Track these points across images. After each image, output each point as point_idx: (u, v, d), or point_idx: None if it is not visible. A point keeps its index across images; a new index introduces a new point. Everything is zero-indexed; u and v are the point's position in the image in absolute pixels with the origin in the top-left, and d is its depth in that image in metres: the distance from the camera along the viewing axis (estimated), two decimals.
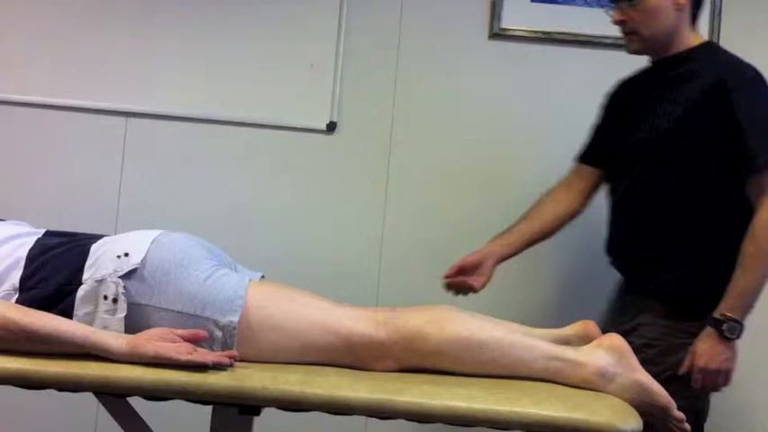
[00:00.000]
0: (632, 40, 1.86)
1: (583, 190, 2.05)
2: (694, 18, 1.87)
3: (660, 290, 1.84)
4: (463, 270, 1.94)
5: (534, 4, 2.47)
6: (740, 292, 1.73)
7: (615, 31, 2.45)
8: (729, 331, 1.73)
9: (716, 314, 1.74)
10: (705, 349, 1.74)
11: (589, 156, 2.06)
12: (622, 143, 1.93)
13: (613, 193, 1.99)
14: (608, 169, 2.01)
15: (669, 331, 1.82)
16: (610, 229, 2.00)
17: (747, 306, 1.74)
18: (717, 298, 1.74)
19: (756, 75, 1.80)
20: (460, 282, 1.95)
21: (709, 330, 1.75)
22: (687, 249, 1.83)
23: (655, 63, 1.92)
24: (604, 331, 1.57)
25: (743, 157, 1.73)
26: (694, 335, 1.77)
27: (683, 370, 1.76)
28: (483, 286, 1.95)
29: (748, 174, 1.74)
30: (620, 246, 1.96)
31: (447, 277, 1.96)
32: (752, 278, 1.73)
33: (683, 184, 1.81)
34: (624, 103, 2.00)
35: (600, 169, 2.04)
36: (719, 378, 1.76)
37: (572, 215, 2.05)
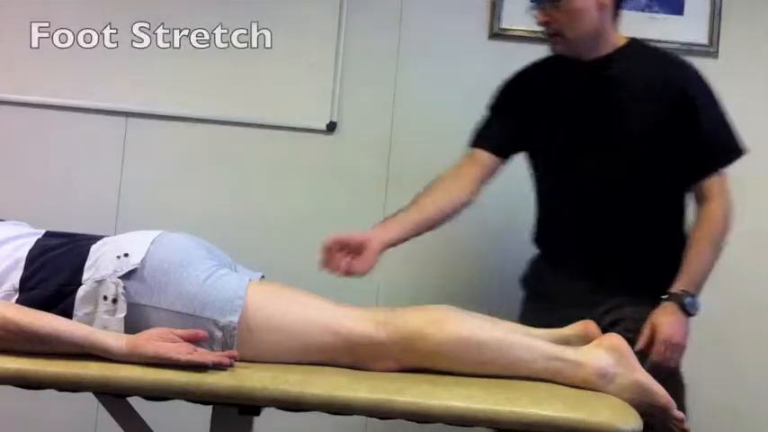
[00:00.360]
0: (557, 41, 1.83)
1: (478, 178, 1.93)
2: (616, 16, 1.86)
3: (640, 282, 1.86)
4: (346, 247, 1.73)
5: (534, 4, 2.47)
6: (696, 271, 1.79)
7: None
8: (690, 306, 1.76)
9: (675, 290, 1.77)
10: (668, 322, 1.74)
11: (492, 143, 1.95)
12: (561, 138, 1.88)
13: (556, 187, 1.95)
14: (507, 158, 1.97)
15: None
16: (561, 226, 1.95)
17: (701, 286, 1.80)
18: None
19: (704, 76, 1.86)
20: (342, 263, 1.73)
21: (669, 305, 1.76)
22: (656, 240, 1.89)
23: (583, 63, 1.86)
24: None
25: (703, 158, 1.83)
26: None
27: (640, 345, 1.72)
28: (366, 272, 1.73)
29: (707, 173, 1.83)
30: (589, 245, 1.90)
31: (326, 250, 1.73)
32: (705, 260, 1.80)
33: (652, 182, 1.85)
34: (542, 96, 1.92)
35: (500, 158, 1.95)
36: (678, 352, 1.75)
37: (465, 204, 1.92)
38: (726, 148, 1.86)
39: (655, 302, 1.80)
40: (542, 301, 1.95)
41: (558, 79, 1.91)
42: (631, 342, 1.56)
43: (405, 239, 1.81)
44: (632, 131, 1.82)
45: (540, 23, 1.82)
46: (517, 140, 1.95)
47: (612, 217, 1.87)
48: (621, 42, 1.87)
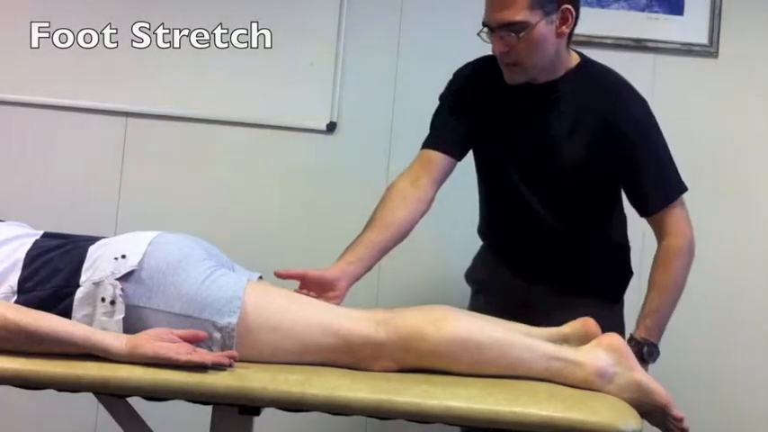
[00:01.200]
0: (514, 72, 1.75)
1: (435, 181, 1.84)
2: (570, 39, 1.82)
3: (592, 285, 1.89)
4: (314, 286, 1.64)
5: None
6: (657, 317, 1.79)
7: (615, 32, 2.47)
8: (648, 354, 1.76)
9: (636, 336, 1.78)
10: None
11: (447, 144, 1.86)
12: (503, 146, 1.86)
13: (496, 188, 1.93)
14: (461, 158, 1.92)
15: (607, 314, 1.85)
16: (501, 222, 1.95)
17: (661, 331, 1.80)
18: (625, 283, 1.98)
19: (648, 114, 1.84)
20: (317, 295, 1.64)
21: None
22: (594, 243, 1.92)
23: (537, 85, 1.82)
24: None
25: (646, 201, 1.83)
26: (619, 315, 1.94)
27: None
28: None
29: (653, 213, 1.83)
30: (527, 246, 1.91)
31: (293, 278, 1.65)
32: (667, 307, 1.81)
33: (588, 198, 1.86)
34: (490, 100, 1.85)
35: (454, 158, 1.88)
36: None
37: (424, 213, 1.83)
38: (668, 191, 1.83)
39: (597, 301, 1.84)
40: (489, 293, 1.95)
41: (507, 89, 1.82)
42: None
43: (371, 267, 1.73)
44: (568, 159, 1.79)
45: (498, 53, 1.74)
46: (468, 140, 1.89)
47: (549, 223, 1.87)
48: (573, 63, 1.83)
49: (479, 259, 2.06)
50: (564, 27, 1.74)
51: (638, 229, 2.44)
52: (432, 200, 1.84)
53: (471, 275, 2.05)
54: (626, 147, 1.78)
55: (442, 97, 1.93)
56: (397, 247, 1.79)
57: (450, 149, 1.86)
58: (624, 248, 2.00)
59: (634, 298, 2.32)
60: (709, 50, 2.46)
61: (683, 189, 1.85)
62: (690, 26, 2.46)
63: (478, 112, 1.85)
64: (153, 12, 2.44)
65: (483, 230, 2.04)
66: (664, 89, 2.47)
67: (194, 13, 2.45)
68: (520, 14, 1.68)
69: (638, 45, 2.47)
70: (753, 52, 2.48)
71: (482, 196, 1.99)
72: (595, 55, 2.46)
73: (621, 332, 1.89)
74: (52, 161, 2.44)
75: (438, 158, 1.85)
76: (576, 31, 2.43)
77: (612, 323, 1.81)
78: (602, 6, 2.48)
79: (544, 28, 1.71)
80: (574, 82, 1.81)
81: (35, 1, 2.45)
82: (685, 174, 2.46)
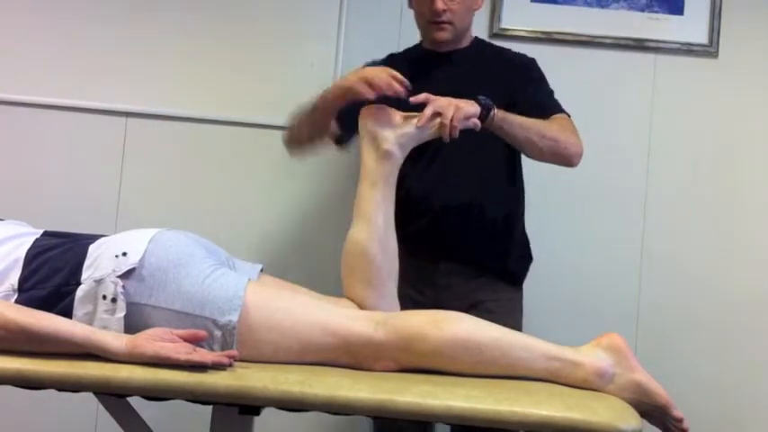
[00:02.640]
0: (446, 29, 1.98)
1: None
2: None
3: (495, 266, 1.98)
4: None
5: (534, 4, 2.48)
6: (517, 119, 1.83)
7: (615, 32, 2.47)
8: (485, 103, 1.76)
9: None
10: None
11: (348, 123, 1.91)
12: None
13: (413, 166, 1.92)
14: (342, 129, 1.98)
15: (507, 296, 2.00)
16: (414, 206, 1.95)
17: (506, 123, 1.81)
18: (526, 267, 2.08)
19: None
20: None
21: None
22: (502, 227, 2.02)
23: (444, 54, 2.02)
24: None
25: (536, 107, 1.94)
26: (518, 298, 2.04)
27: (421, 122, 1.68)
28: None
29: (557, 113, 1.97)
30: (440, 227, 1.95)
31: None
32: (530, 124, 1.85)
33: (497, 164, 2.00)
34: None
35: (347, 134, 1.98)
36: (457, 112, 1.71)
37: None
38: (559, 105, 2.00)
39: (499, 283, 1.96)
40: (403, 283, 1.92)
41: (418, 66, 1.98)
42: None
43: None
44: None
45: (438, 11, 1.94)
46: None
47: (461, 201, 1.92)
48: (472, 36, 2.10)
49: None
50: (480, 1, 2.05)
51: (637, 227, 2.46)
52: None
53: None
54: (521, 72, 2.02)
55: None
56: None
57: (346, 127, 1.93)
58: (524, 234, 2.09)
59: (635, 298, 2.34)
60: (709, 50, 2.46)
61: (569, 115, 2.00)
62: (690, 26, 2.47)
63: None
64: (153, 12, 2.44)
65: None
66: (664, 89, 2.48)
67: (194, 13, 2.45)
68: None
69: (638, 45, 2.47)
70: (753, 52, 2.48)
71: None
72: (595, 55, 2.49)
73: (520, 317, 2.00)
74: (52, 161, 2.44)
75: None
76: (576, 30, 2.46)
77: (512, 306, 1.98)
78: (602, 6, 2.48)
79: None
80: (475, 49, 2.07)
81: (35, 1, 2.45)
82: (685, 174, 2.48)
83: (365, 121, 1.69)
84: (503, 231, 2.02)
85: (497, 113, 1.78)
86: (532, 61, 2.07)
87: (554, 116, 1.95)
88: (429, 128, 1.68)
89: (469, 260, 1.97)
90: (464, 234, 1.96)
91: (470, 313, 1.57)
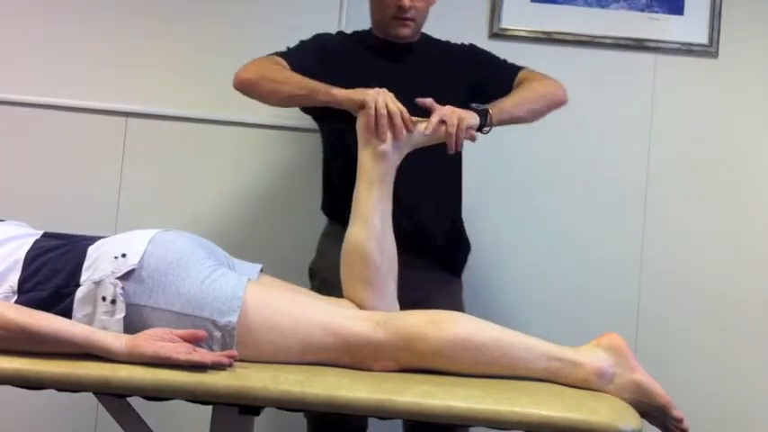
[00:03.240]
0: (409, 26, 1.99)
1: None
2: None
3: (437, 255, 1.98)
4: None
5: (534, 4, 2.47)
6: (509, 103, 1.87)
7: (615, 32, 2.47)
8: (481, 111, 1.78)
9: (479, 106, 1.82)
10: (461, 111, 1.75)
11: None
12: None
13: (348, 154, 1.88)
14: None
15: (450, 286, 2.01)
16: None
17: (504, 115, 1.84)
18: (466, 254, 2.07)
19: None
20: None
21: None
22: (453, 217, 2.05)
23: (401, 44, 2.02)
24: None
25: (504, 73, 2.03)
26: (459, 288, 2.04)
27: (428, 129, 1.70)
28: None
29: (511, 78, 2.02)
30: (411, 217, 1.91)
31: None
32: (523, 100, 1.91)
33: (455, 156, 1.92)
34: (348, 65, 1.97)
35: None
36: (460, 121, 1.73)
37: None
38: (512, 67, 2.05)
39: (440, 272, 1.96)
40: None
41: (375, 56, 2.02)
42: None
43: None
44: (432, 96, 1.80)
45: (405, 7, 1.94)
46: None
47: (410, 186, 1.85)
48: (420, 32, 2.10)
49: (323, 248, 2.04)
50: None
51: (637, 227, 2.46)
52: None
53: (314, 267, 2.04)
54: (472, 60, 2.05)
55: (309, 43, 2.01)
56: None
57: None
58: (461, 222, 2.08)
59: (635, 298, 2.34)
60: (709, 50, 2.46)
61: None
62: (690, 26, 2.46)
63: (344, 70, 1.91)
64: (153, 12, 2.44)
65: (329, 204, 2.06)
66: (664, 89, 2.48)
67: (194, 13, 2.45)
68: None
69: (638, 45, 2.47)
70: (753, 52, 2.48)
71: (332, 166, 2.03)
72: (595, 55, 2.49)
73: (461, 306, 1.99)
74: (52, 161, 2.43)
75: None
76: (576, 30, 2.46)
77: (454, 295, 1.99)
78: (602, 6, 2.48)
79: None
80: (424, 43, 2.08)
81: (35, 1, 2.45)
82: (685, 173, 2.48)
83: (362, 120, 1.69)
84: (450, 222, 2.04)
85: (493, 113, 1.80)
86: (473, 46, 2.11)
87: (519, 76, 2.01)
88: (434, 135, 1.69)
89: (419, 251, 1.92)
90: (414, 225, 1.93)
91: (416, 307, 1.57)
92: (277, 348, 1.45)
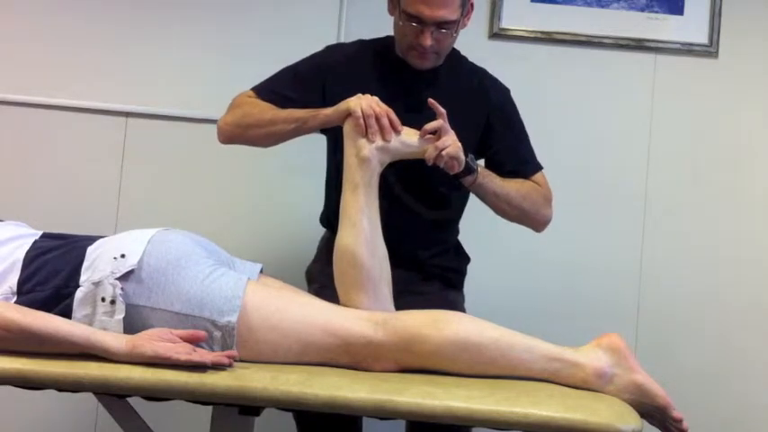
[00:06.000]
0: (429, 59, 1.85)
1: None
2: None
3: (439, 270, 1.94)
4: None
5: (534, 3, 2.47)
6: (496, 180, 1.81)
7: (615, 32, 2.47)
8: (471, 160, 1.75)
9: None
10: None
11: (284, 103, 1.85)
12: None
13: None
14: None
15: (452, 299, 1.95)
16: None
17: (482, 190, 1.80)
18: (465, 269, 2.02)
19: (510, 95, 1.98)
20: None
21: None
22: (449, 234, 2.01)
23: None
24: None
25: (518, 163, 1.91)
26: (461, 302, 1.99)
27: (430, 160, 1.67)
28: None
29: (538, 171, 1.94)
30: (397, 233, 1.82)
31: None
32: (506, 187, 1.83)
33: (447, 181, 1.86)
34: (370, 84, 1.85)
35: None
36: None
37: None
38: (537, 161, 1.95)
39: (443, 286, 1.93)
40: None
41: (392, 73, 1.90)
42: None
43: None
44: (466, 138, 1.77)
45: (426, 45, 1.80)
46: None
47: (405, 204, 1.87)
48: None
49: (323, 253, 2.00)
50: (467, 19, 1.86)
51: (637, 227, 2.46)
52: None
53: (313, 271, 2.02)
54: (499, 113, 1.91)
55: (308, 64, 1.93)
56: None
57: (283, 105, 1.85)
58: (458, 234, 2.04)
59: (635, 298, 2.33)
60: (709, 50, 2.46)
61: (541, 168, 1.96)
62: (690, 26, 2.47)
63: (353, 90, 1.79)
64: (153, 11, 2.44)
65: (329, 217, 1.98)
66: (664, 89, 2.48)
67: (194, 13, 2.45)
68: (455, 14, 1.78)
69: (638, 45, 2.47)
70: (753, 52, 2.48)
71: (336, 181, 1.92)
72: (595, 55, 2.49)
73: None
74: (52, 161, 2.43)
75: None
76: (576, 30, 2.46)
77: (456, 309, 1.87)
78: (602, 6, 2.48)
79: (461, 22, 1.83)
80: (448, 66, 1.91)
81: (35, 1, 2.45)
82: (685, 173, 2.48)
83: (349, 126, 1.68)
84: (448, 237, 2.01)
85: (477, 178, 1.76)
86: (508, 96, 1.97)
87: (533, 177, 1.92)
88: (420, 144, 1.67)
89: (417, 265, 1.91)
90: (413, 240, 1.90)
91: None
92: (277, 348, 1.45)
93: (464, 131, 1.74)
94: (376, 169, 1.66)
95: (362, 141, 1.65)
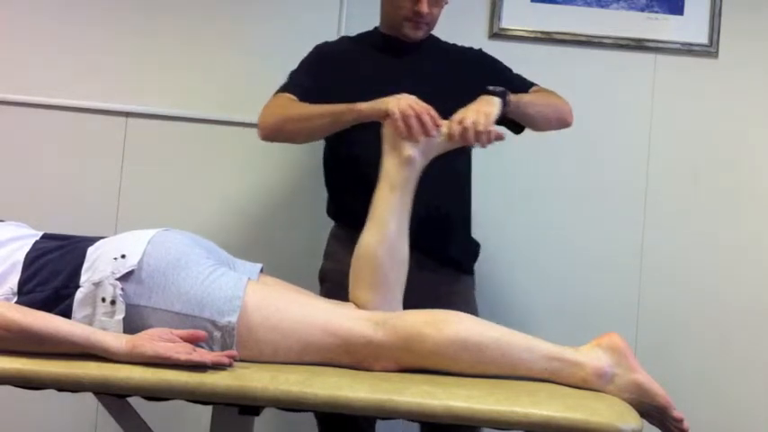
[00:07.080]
0: (422, 29, 2.00)
1: None
2: None
3: (450, 255, 1.98)
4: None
5: (534, 3, 2.48)
6: (524, 98, 1.90)
7: (615, 32, 2.47)
8: (501, 93, 1.80)
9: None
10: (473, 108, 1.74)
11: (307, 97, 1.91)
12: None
13: (356, 154, 1.92)
14: None
15: (463, 286, 2.01)
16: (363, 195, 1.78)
17: (524, 105, 1.88)
18: (477, 253, 2.06)
19: None
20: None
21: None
22: (465, 218, 2.05)
23: (405, 42, 2.01)
24: None
25: (517, 85, 1.99)
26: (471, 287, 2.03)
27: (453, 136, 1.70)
28: None
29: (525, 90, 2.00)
30: (430, 219, 1.91)
31: None
32: (535, 100, 1.94)
33: (466, 154, 2.03)
34: (356, 61, 2.02)
35: None
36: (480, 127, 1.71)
37: None
38: (528, 82, 2.04)
39: (454, 272, 1.96)
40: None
41: (383, 53, 2.03)
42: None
43: None
44: (444, 97, 1.79)
45: (423, 14, 1.95)
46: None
47: (421, 187, 1.81)
48: None
49: (333, 250, 2.03)
50: None
51: (637, 228, 2.46)
52: None
53: (325, 269, 2.04)
54: (485, 69, 2.03)
55: (306, 62, 2.03)
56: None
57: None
58: (470, 221, 2.08)
59: (635, 298, 2.33)
60: (709, 50, 2.46)
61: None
62: (690, 26, 2.47)
63: (348, 70, 1.96)
64: (153, 11, 2.44)
65: (335, 209, 2.04)
66: (664, 89, 2.48)
67: (194, 13, 2.45)
68: None
69: (638, 45, 2.47)
70: (753, 52, 2.48)
71: (337, 173, 2.02)
72: (595, 55, 2.49)
73: (474, 305, 1.99)
74: (52, 161, 2.44)
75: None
76: (576, 30, 2.46)
77: (467, 295, 1.98)
78: (602, 6, 2.48)
79: None
80: (432, 43, 2.07)
81: (35, 1, 2.45)
82: (685, 174, 2.48)
83: (389, 128, 1.68)
84: (460, 225, 2.04)
85: (511, 97, 1.81)
86: (482, 53, 2.10)
87: (531, 89, 2.01)
88: (455, 137, 1.68)
89: (431, 252, 1.92)
90: (426, 226, 1.89)
91: (431, 307, 1.54)
92: (277, 348, 1.45)
93: (461, 91, 1.80)
94: (418, 169, 1.67)
95: (405, 142, 1.65)
